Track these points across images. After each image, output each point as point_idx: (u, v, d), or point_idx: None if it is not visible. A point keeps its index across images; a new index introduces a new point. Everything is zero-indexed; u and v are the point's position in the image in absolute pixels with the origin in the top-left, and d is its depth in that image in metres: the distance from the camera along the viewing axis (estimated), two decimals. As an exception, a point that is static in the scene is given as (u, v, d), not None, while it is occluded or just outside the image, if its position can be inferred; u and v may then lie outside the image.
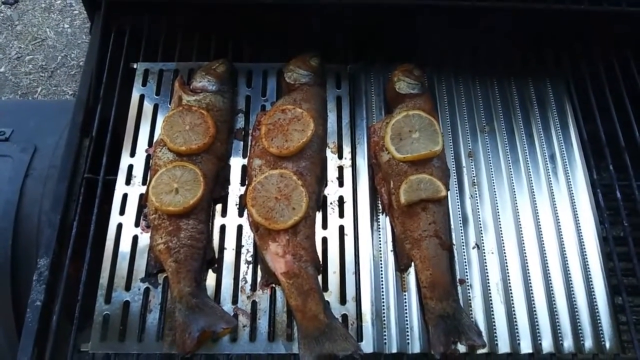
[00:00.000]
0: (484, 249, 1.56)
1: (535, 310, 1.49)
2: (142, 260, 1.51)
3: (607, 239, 1.62)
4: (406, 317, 1.47)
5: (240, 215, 1.59)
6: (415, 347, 1.43)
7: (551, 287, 1.52)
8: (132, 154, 1.67)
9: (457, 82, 1.85)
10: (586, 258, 1.57)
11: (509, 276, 1.53)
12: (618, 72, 1.90)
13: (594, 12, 1.85)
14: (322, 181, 1.62)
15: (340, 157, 1.69)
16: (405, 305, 1.49)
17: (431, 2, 1.82)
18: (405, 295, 1.50)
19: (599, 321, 1.48)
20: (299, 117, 1.61)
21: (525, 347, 1.44)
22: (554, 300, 1.50)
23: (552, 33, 1.93)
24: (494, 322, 1.47)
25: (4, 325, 1.55)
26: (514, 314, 1.48)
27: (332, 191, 1.63)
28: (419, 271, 1.50)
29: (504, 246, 1.57)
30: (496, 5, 1.82)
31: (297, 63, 1.77)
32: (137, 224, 1.56)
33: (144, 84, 1.80)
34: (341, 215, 1.59)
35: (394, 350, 1.43)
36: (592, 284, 1.53)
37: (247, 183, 1.61)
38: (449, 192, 1.62)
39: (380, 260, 1.54)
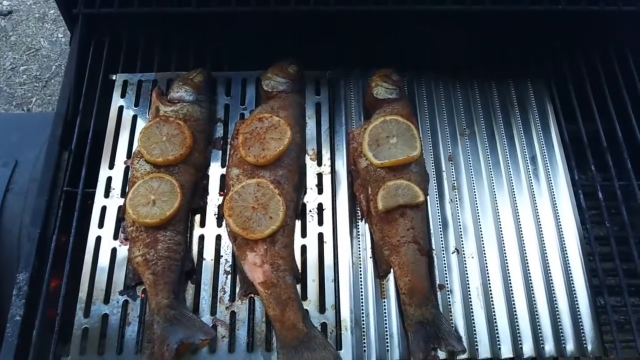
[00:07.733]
0: (464, 254, 1.56)
1: (516, 314, 1.48)
2: (121, 272, 1.51)
3: (589, 240, 1.62)
4: (386, 324, 1.46)
5: (219, 225, 1.59)
6: (395, 355, 1.43)
7: (532, 290, 1.52)
8: (111, 166, 1.67)
9: (437, 86, 1.84)
10: (567, 259, 1.56)
11: (489, 280, 1.52)
12: (600, 71, 1.89)
13: (573, 12, 1.83)
14: (300, 189, 1.62)
15: (320, 164, 1.68)
16: (385, 312, 1.48)
17: (409, 8, 1.81)
18: (384, 302, 1.49)
19: (580, 323, 1.48)
20: (276, 125, 1.61)
21: (506, 352, 1.44)
22: (534, 303, 1.50)
23: (532, 34, 1.92)
24: (474, 327, 1.46)
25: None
26: (495, 319, 1.47)
27: (311, 199, 1.62)
28: (398, 277, 1.49)
29: (484, 250, 1.56)
30: (474, 8, 1.81)
31: (274, 71, 1.76)
32: (115, 237, 1.56)
33: (122, 95, 1.80)
34: (320, 222, 1.59)
35: (374, 358, 1.42)
36: (573, 286, 1.53)
37: (225, 193, 1.61)
38: (428, 197, 1.62)
39: (360, 267, 1.54)
